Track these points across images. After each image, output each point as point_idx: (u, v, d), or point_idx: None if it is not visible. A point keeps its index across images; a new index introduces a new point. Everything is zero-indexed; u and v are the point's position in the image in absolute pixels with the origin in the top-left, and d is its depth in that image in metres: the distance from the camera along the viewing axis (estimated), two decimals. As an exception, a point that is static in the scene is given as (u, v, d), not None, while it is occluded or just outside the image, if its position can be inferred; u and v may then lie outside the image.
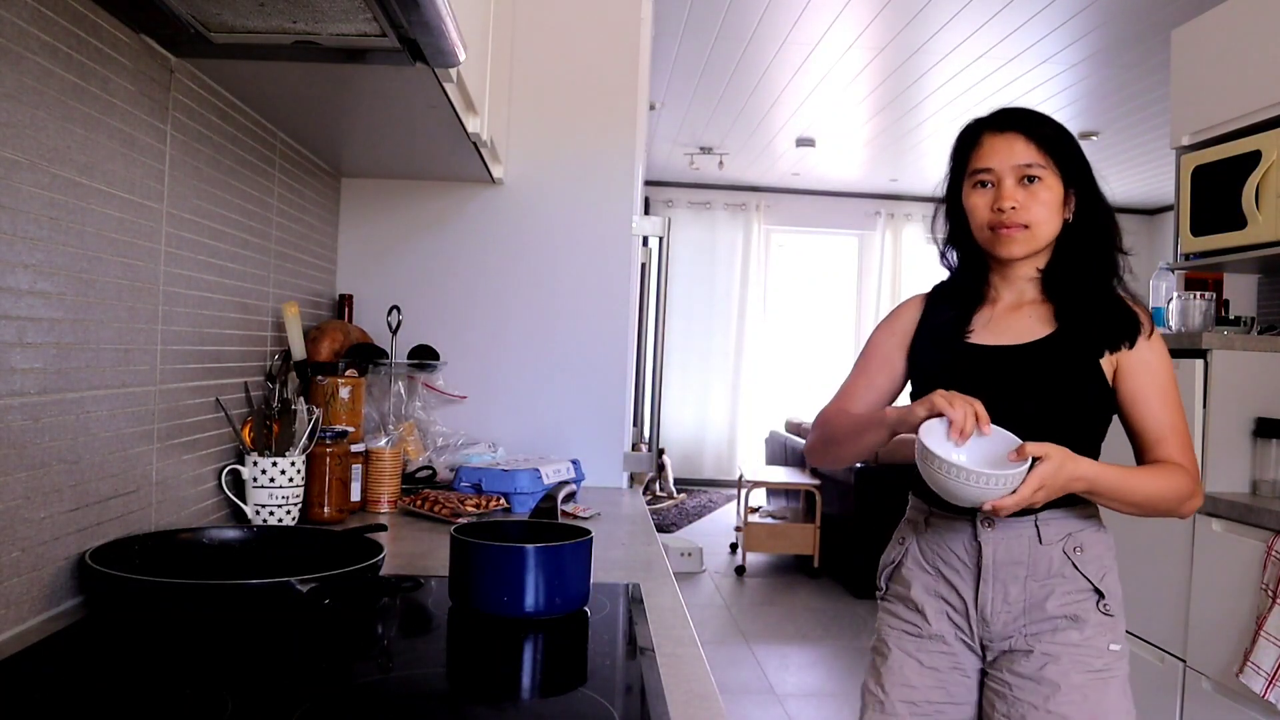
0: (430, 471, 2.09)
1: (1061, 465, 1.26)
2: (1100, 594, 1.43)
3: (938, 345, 1.48)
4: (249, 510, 1.57)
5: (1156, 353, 1.42)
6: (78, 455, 1.13)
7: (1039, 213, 1.38)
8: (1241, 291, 3.20)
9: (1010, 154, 1.39)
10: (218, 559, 1.27)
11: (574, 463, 2.03)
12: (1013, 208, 1.38)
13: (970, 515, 1.41)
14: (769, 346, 8.68)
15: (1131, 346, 1.40)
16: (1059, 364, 1.40)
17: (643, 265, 2.37)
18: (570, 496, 1.61)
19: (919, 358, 1.50)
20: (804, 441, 6.70)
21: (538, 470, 1.90)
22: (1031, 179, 1.38)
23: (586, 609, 1.19)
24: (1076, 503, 1.41)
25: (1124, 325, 1.41)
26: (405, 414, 2.16)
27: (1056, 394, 1.39)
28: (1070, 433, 1.36)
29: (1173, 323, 2.71)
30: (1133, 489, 1.35)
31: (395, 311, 2.15)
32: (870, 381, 1.54)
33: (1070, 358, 1.40)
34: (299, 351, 1.82)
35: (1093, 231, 1.43)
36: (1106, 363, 1.40)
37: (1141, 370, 1.41)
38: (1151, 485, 1.37)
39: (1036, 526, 1.41)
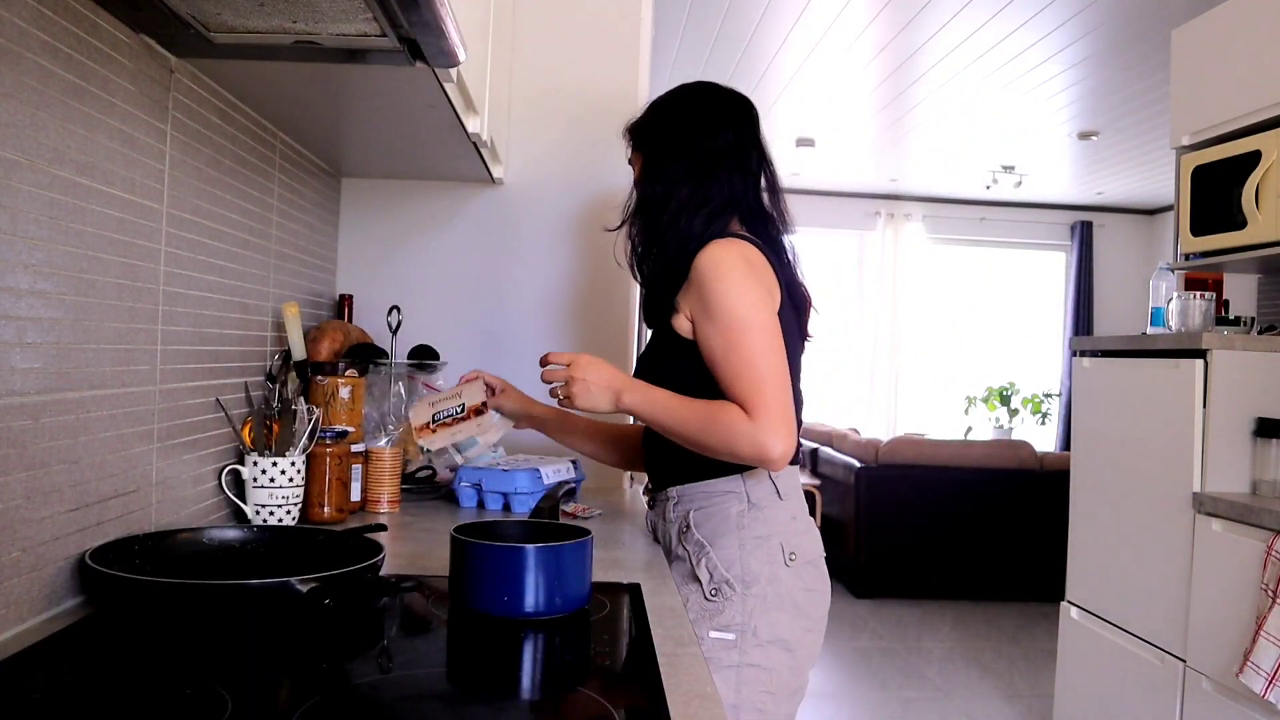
0: (430, 471, 2.10)
1: (593, 362, 1.43)
2: (698, 578, 1.40)
3: None
4: (249, 510, 1.57)
5: (708, 299, 1.38)
6: (78, 455, 1.13)
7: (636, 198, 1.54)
8: (1241, 291, 3.21)
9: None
10: (218, 559, 1.27)
11: (573, 463, 2.03)
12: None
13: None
14: (769, 346, 8.67)
15: (674, 299, 1.43)
16: (653, 328, 1.51)
17: (643, 265, 2.37)
18: (570, 495, 1.61)
19: None
20: (806, 442, 6.71)
21: (538, 470, 1.90)
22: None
23: (586, 609, 1.19)
24: (703, 476, 1.42)
25: (669, 282, 1.44)
26: (405, 414, 2.16)
27: (648, 356, 1.54)
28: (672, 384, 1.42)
29: (1173, 323, 2.71)
30: (670, 411, 1.37)
31: (395, 311, 2.15)
32: None
33: (652, 320, 1.50)
34: (299, 351, 1.82)
35: (644, 196, 1.52)
36: (680, 319, 1.43)
37: (701, 320, 1.40)
38: (688, 412, 1.35)
39: (665, 504, 1.48)
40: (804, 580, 1.42)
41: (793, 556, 1.41)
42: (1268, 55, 2.51)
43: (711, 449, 1.35)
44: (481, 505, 1.93)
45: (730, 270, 1.37)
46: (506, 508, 1.88)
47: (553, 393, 1.47)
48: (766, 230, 1.53)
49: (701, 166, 1.47)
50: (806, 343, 1.55)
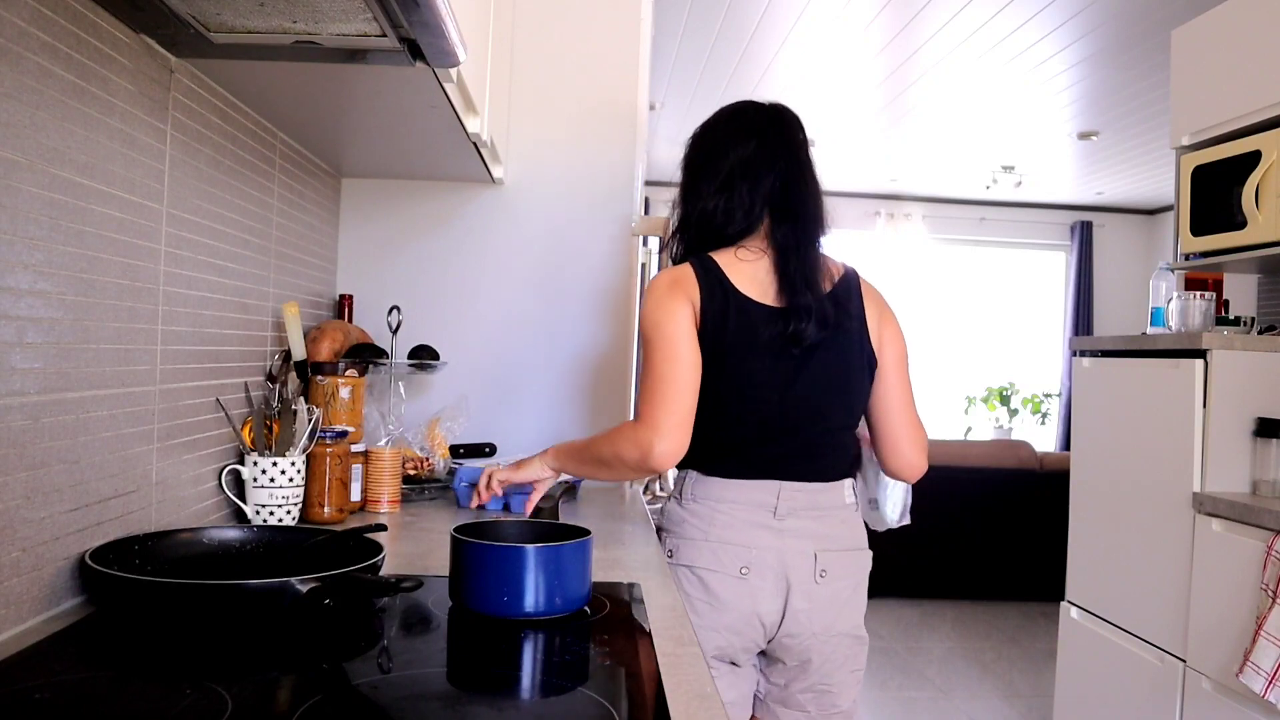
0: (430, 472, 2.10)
1: (508, 468, 1.63)
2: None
3: None
4: (249, 510, 1.57)
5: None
6: (78, 455, 1.13)
7: None
8: (1241, 291, 3.20)
9: None
10: (218, 559, 1.27)
11: None
12: None
13: None
14: (769, 346, 8.67)
15: None
16: None
17: (643, 265, 2.37)
18: (570, 495, 1.61)
19: None
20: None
21: None
22: None
23: (586, 609, 1.19)
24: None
25: None
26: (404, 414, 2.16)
27: None
28: None
29: (1173, 323, 2.71)
30: (582, 448, 1.55)
31: (395, 311, 2.15)
32: None
33: None
34: (299, 351, 1.82)
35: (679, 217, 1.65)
36: None
37: None
38: (593, 440, 1.54)
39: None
40: (682, 582, 1.49)
41: (670, 554, 1.53)
42: (1268, 55, 2.51)
43: (617, 461, 1.47)
44: (481, 505, 1.93)
45: (650, 293, 1.51)
46: (506, 508, 1.88)
47: (524, 509, 1.62)
48: (791, 234, 1.52)
49: (719, 181, 1.54)
50: (774, 351, 1.48)
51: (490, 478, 1.64)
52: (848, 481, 1.54)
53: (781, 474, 1.46)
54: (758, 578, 1.46)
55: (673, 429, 1.42)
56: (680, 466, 1.51)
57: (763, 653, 1.55)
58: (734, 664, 1.52)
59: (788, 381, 1.47)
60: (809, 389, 1.47)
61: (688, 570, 1.49)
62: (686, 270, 1.51)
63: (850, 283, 1.57)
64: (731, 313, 1.47)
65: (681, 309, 1.46)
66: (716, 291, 1.48)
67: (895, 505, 1.69)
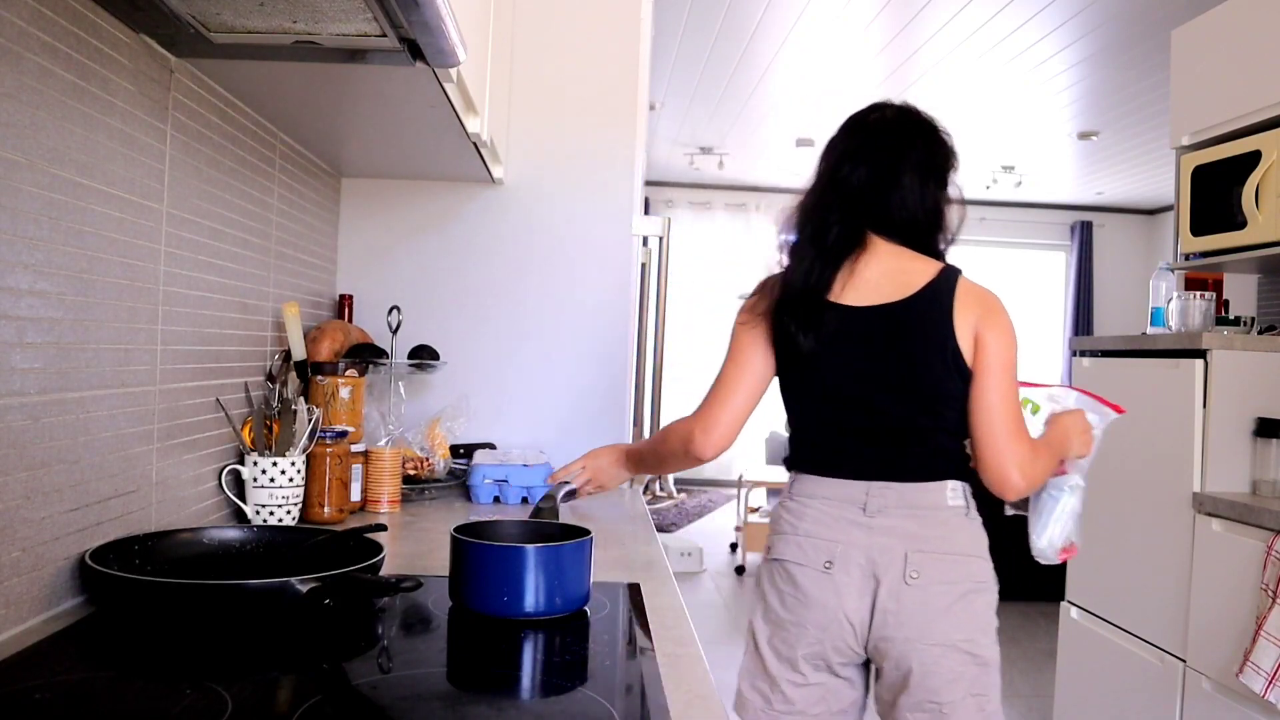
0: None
1: (596, 452, 1.70)
2: None
3: None
4: (249, 510, 1.57)
5: None
6: (78, 455, 1.13)
7: None
8: (1241, 291, 3.20)
9: None
10: (218, 559, 1.27)
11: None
12: None
13: None
14: (769, 346, 8.67)
15: None
16: None
17: (643, 265, 2.37)
18: (571, 495, 1.62)
19: None
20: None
21: (549, 467, 2.00)
22: None
23: (586, 609, 1.19)
24: None
25: None
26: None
27: None
28: None
29: (1173, 323, 2.71)
30: (648, 447, 1.68)
31: (395, 311, 2.15)
32: None
33: None
34: (299, 351, 1.82)
35: None
36: None
37: None
38: (655, 437, 1.68)
39: None
40: (774, 577, 1.53)
41: (767, 551, 1.57)
42: (1268, 55, 2.51)
43: (668, 451, 1.61)
44: (498, 500, 1.97)
45: None
46: (525, 501, 1.96)
47: (580, 492, 1.68)
48: (833, 233, 1.52)
49: (813, 194, 1.58)
50: (812, 351, 1.50)
51: (580, 486, 1.70)
52: (951, 483, 1.47)
53: (869, 473, 1.46)
54: (842, 573, 1.44)
55: (714, 423, 1.54)
56: (788, 468, 1.57)
57: (868, 663, 1.52)
58: (832, 672, 1.49)
59: (860, 382, 1.48)
60: (879, 390, 1.47)
61: (779, 565, 1.51)
62: (773, 278, 1.59)
63: (938, 286, 1.48)
64: (796, 311, 1.53)
65: (749, 315, 1.58)
66: (780, 292, 1.56)
67: (1044, 531, 1.59)
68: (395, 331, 2.13)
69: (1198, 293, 2.67)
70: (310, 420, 1.64)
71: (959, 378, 1.46)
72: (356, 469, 1.78)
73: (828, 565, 1.45)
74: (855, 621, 1.44)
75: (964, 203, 1.59)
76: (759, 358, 1.55)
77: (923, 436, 1.46)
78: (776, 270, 1.57)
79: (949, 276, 1.48)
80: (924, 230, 1.53)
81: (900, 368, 1.46)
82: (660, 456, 1.64)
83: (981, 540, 1.50)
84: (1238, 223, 2.54)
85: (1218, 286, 2.83)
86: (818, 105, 5.77)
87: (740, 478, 5.75)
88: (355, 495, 1.78)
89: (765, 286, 1.58)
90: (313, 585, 1.02)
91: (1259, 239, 2.49)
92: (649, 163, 7.49)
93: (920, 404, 1.46)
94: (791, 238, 1.57)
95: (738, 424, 1.56)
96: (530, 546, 1.14)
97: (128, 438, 1.25)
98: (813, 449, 1.52)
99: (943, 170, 1.55)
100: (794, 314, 1.49)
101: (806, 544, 1.48)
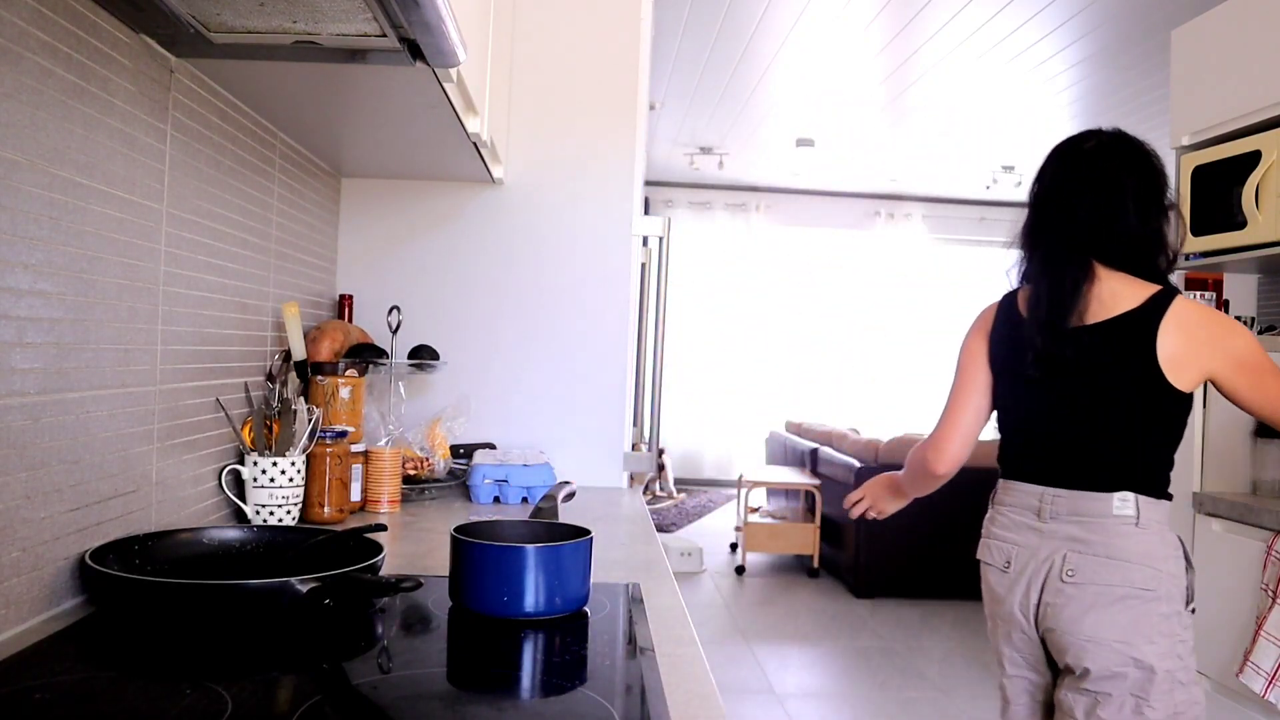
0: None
1: (873, 483, 1.96)
2: None
3: None
4: (249, 510, 1.57)
5: None
6: (78, 455, 1.13)
7: None
8: (1241, 291, 3.20)
9: None
10: (218, 559, 1.27)
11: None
12: None
13: None
14: (769, 346, 8.69)
15: None
16: None
17: (643, 265, 2.37)
18: (571, 495, 1.62)
19: None
20: (804, 441, 6.64)
21: (549, 466, 1.99)
22: None
23: (586, 609, 1.19)
24: None
25: None
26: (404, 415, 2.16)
27: None
28: None
29: (1173, 323, 2.71)
30: (904, 474, 1.87)
31: (395, 311, 2.15)
32: None
33: None
34: (299, 351, 1.82)
35: None
36: None
37: None
38: (906, 462, 1.85)
39: None
40: (984, 577, 1.72)
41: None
42: (1268, 55, 2.51)
43: (913, 471, 1.82)
44: (498, 500, 1.97)
45: None
46: (525, 501, 1.97)
47: (866, 515, 1.97)
48: (1062, 264, 1.62)
49: (1033, 222, 1.70)
50: (1031, 380, 1.64)
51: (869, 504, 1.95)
52: (1121, 494, 1.54)
53: (1044, 480, 1.61)
54: (1017, 571, 1.62)
55: (940, 440, 1.74)
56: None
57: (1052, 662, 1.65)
58: (1028, 664, 1.66)
59: (1053, 394, 1.61)
60: (1067, 403, 1.59)
61: (981, 565, 1.71)
62: (991, 306, 1.75)
63: (1147, 307, 1.56)
64: (1007, 337, 1.68)
65: (974, 339, 1.74)
66: (1001, 317, 1.71)
67: None
68: (395, 331, 2.13)
69: (1198, 293, 2.67)
70: (310, 420, 1.64)
71: (1155, 395, 1.54)
72: (356, 469, 1.78)
73: (1007, 565, 1.64)
74: (1026, 614, 1.61)
75: (1180, 219, 1.67)
76: (984, 377, 1.72)
77: (1096, 449, 1.57)
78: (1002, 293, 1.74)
79: (1162, 299, 1.57)
80: (1145, 255, 1.62)
81: (1090, 383, 1.57)
82: (913, 480, 1.83)
83: (1156, 550, 1.54)
84: (1238, 223, 2.54)
85: (1218, 286, 2.83)
86: (818, 105, 5.77)
87: (740, 478, 5.75)
88: (355, 495, 1.78)
89: (990, 310, 1.74)
90: (312, 585, 1.02)
91: (1259, 239, 2.49)
92: (649, 163, 7.50)
93: (1102, 419, 1.56)
94: (1021, 266, 1.70)
95: (967, 442, 1.74)
96: (530, 546, 1.14)
97: (128, 438, 1.25)
98: (1007, 457, 1.71)
99: (1160, 195, 1.63)
100: (1024, 344, 1.62)
101: (993, 545, 1.68)
